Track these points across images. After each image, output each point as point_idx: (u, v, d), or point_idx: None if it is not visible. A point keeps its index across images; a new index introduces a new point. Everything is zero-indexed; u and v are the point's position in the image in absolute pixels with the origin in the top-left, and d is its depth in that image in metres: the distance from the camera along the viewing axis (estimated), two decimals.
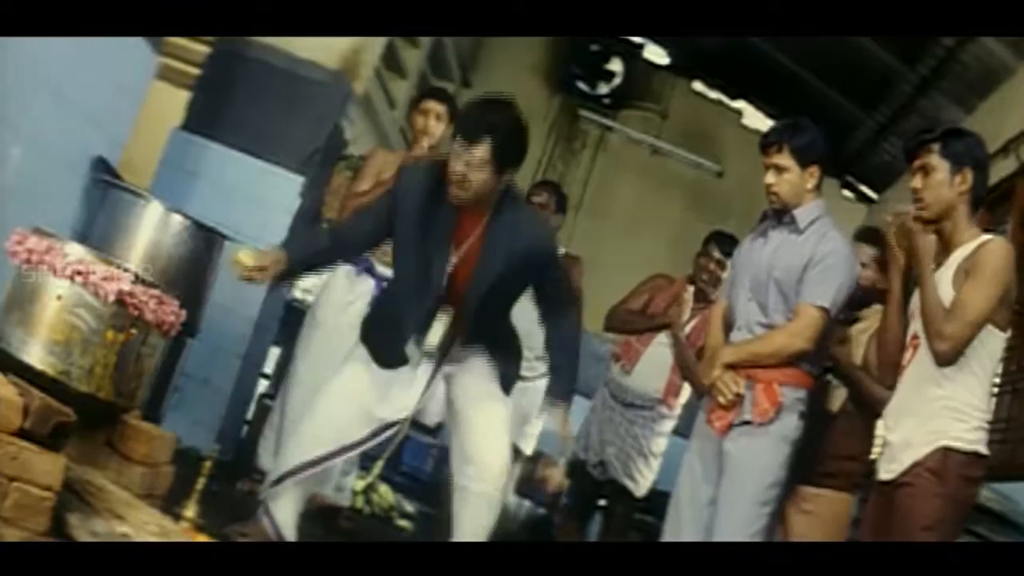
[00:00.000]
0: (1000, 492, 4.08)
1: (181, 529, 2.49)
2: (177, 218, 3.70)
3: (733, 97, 8.25)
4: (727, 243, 4.21)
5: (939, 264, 2.75)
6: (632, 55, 8.21)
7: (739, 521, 2.97)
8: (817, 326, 3.00)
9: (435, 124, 3.99)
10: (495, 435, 3.07)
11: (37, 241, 2.56)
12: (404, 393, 3.06)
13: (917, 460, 2.62)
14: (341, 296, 4.00)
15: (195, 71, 4.87)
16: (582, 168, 8.32)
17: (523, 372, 3.33)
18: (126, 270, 2.65)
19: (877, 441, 3.09)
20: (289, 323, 4.96)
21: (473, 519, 3.03)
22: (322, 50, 4.75)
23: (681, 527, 3.12)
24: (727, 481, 3.01)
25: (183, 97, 4.79)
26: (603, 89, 8.16)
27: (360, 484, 4.70)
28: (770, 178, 3.11)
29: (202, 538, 2.58)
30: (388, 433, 3.08)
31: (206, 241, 3.79)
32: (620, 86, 8.14)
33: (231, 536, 2.94)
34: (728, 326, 3.21)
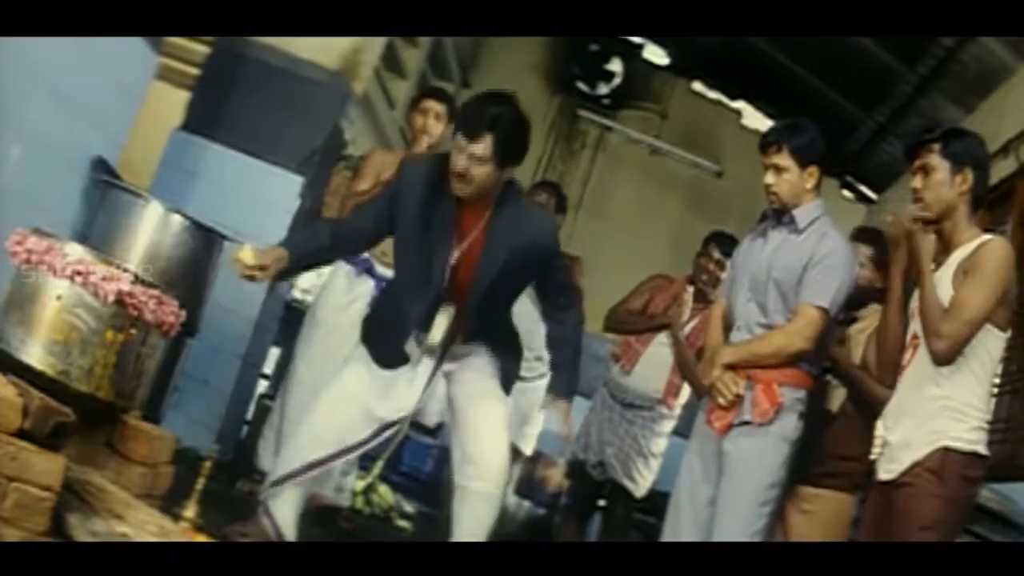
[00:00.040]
0: (1000, 492, 4.09)
1: (181, 529, 2.49)
2: (177, 218, 3.70)
3: (732, 97, 8.25)
4: (726, 243, 4.21)
5: (939, 264, 2.75)
6: (632, 55, 8.21)
7: (739, 521, 2.97)
8: (817, 326, 3.00)
9: (434, 124, 3.99)
10: (495, 434, 3.07)
11: (37, 241, 2.55)
12: (404, 392, 3.05)
13: (917, 460, 2.62)
14: (341, 296, 4.00)
15: (195, 71, 4.87)
16: (582, 168, 8.32)
17: (522, 372, 3.33)
18: (126, 270, 2.65)
19: (876, 441, 3.08)
20: (289, 323, 4.96)
21: (473, 518, 3.02)
22: (321, 50, 4.74)
23: (681, 527, 3.12)
24: (727, 481, 3.01)
25: (183, 97, 4.79)
26: (603, 89, 8.17)
27: (360, 484, 4.70)
28: (769, 178, 3.11)
29: (202, 538, 2.58)
30: (388, 433, 3.08)
31: (206, 241, 3.78)
32: (620, 86, 8.15)
33: (231, 536, 2.94)
34: (728, 326, 3.21)
